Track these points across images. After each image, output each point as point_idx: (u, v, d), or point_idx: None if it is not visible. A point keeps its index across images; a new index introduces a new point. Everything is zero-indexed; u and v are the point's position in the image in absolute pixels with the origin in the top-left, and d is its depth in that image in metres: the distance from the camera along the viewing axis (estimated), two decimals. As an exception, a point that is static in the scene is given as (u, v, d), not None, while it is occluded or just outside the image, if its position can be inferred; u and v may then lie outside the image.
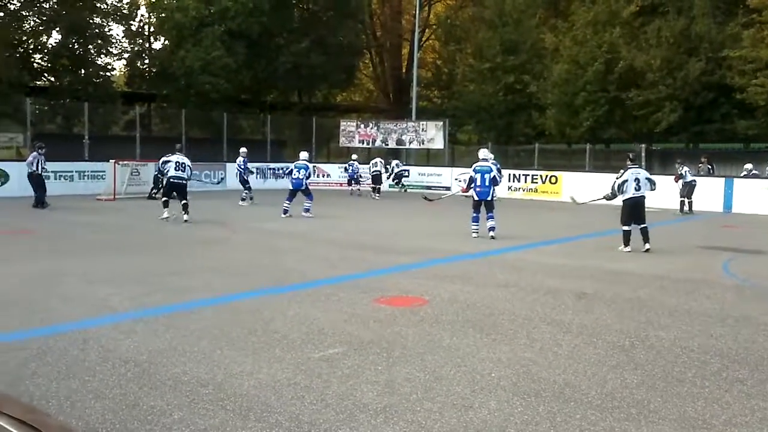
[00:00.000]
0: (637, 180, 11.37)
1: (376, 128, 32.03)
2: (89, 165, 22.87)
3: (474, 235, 12.80)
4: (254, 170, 23.40)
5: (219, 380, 4.61)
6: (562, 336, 5.91)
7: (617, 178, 11.64)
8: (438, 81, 42.78)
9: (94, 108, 27.27)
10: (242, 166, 20.37)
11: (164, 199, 15.19)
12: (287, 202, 16.22)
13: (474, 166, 13.15)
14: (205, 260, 9.94)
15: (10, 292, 7.41)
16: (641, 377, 4.84)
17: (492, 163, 13.65)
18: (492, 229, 12.65)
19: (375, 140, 31.72)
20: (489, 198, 12.82)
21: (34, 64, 31.18)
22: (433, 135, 30.46)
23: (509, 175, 26.27)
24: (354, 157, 26.40)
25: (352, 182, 25.49)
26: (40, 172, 17.90)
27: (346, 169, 26.54)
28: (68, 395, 4.30)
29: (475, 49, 35.63)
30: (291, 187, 16.53)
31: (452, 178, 27.52)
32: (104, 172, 21.94)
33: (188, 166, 14.95)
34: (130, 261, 9.71)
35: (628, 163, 11.78)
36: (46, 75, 31.97)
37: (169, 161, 15.56)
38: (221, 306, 6.86)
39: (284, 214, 16.03)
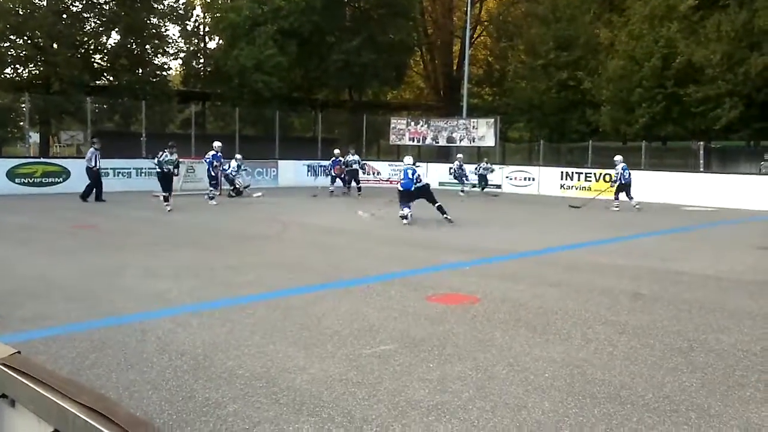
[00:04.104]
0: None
1: (426, 126, 31.96)
2: (146, 162, 23.37)
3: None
4: (246, 168, 22.80)
5: (272, 374, 4.67)
6: (617, 337, 5.79)
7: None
8: (489, 78, 42.43)
9: (150, 106, 27.95)
10: (214, 161, 19.29)
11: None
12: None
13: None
14: (259, 256, 10.09)
15: (74, 284, 7.66)
16: (701, 381, 4.71)
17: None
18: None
19: (425, 138, 31.64)
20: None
21: (95, 64, 32.02)
22: (484, 132, 30.20)
23: (561, 173, 25.94)
24: (336, 151, 23.85)
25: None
26: (98, 168, 18.52)
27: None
28: (127, 386, 4.42)
29: (528, 45, 35.27)
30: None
31: (503, 176, 27.28)
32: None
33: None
34: (186, 256, 9.93)
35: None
36: (105, 74, 32.79)
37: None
38: (274, 301, 6.94)
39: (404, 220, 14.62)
